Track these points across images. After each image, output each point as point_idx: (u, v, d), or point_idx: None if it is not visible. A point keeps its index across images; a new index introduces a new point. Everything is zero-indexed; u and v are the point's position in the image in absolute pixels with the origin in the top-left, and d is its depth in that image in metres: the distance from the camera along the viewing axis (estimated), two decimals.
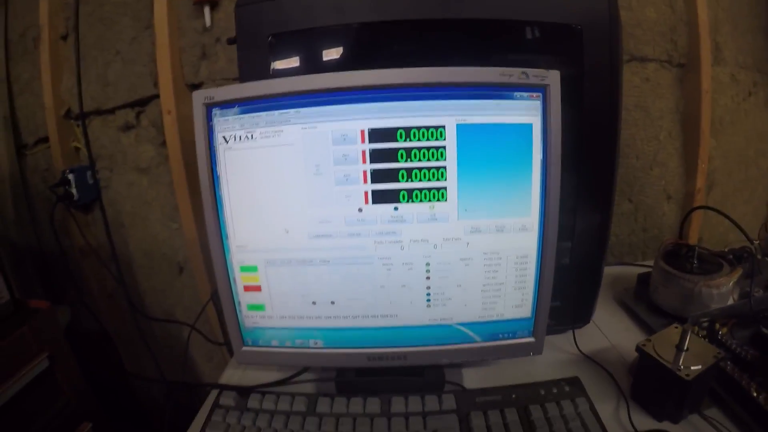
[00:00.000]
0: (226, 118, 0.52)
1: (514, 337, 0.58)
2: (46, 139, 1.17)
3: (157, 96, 1.02)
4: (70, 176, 1.09)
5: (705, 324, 0.67)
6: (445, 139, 0.50)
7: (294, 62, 0.64)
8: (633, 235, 1.08)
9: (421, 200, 0.51)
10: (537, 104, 0.50)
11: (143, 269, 1.21)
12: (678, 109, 1.03)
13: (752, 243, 0.74)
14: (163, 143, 1.05)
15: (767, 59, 1.11)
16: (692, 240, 1.04)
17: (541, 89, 0.50)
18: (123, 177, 1.13)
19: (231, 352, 0.81)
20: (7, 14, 1.18)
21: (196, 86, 1.02)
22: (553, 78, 0.49)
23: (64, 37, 1.12)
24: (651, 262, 0.79)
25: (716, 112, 1.05)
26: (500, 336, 0.57)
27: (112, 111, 1.10)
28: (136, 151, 1.10)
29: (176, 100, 0.98)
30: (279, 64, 0.63)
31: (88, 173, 1.13)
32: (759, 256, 0.76)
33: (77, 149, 1.17)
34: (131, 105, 1.08)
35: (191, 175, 1.02)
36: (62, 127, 1.13)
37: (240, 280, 0.56)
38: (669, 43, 0.99)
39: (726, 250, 0.77)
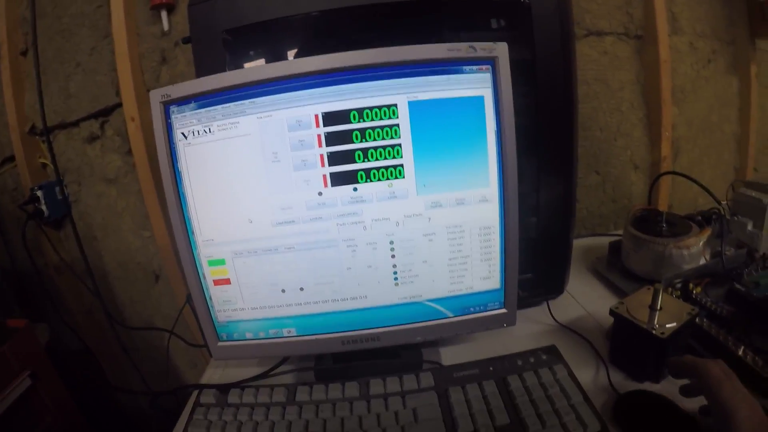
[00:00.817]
0: (184, 114, 0.52)
1: (485, 310, 0.58)
2: (12, 158, 1.15)
3: (120, 104, 1.02)
4: (39, 193, 1.08)
5: (678, 285, 0.68)
6: (397, 117, 0.50)
7: (255, 62, 0.64)
8: (603, 206, 1.10)
9: (379, 179, 0.51)
10: (487, 76, 0.51)
11: (119, 281, 1.19)
12: (638, 80, 1.05)
13: (719, 204, 0.77)
14: (129, 152, 1.04)
15: (725, 27, 1.13)
16: (662, 207, 1.07)
17: (490, 62, 0.51)
18: (91, 189, 1.12)
19: (211, 353, 0.80)
20: None
21: None
22: (501, 50, 0.50)
23: (24, 53, 1.11)
24: (622, 232, 0.81)
25: (677, 81, 1.08)
26: (471, 309, 0.58)
27: (76, 123, 1.08)
28: (103, 162, 1.09)
29: (139, 107, 0.97)
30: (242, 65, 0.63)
31: (57, 189, 1.11)
32: (728, 216, 0.79)
33: (44, 165, 1.15)
34: (95, 116, 1.06)
35: (159, 182, 1.00)
36: (27, 144, 1.11)
37: (209, 274, 0.56)
38: (625, 15, 1.01)
39: (695, 212, 0.79)
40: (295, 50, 0.64)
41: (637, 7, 1.01)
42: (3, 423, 0.83)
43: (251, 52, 0.64)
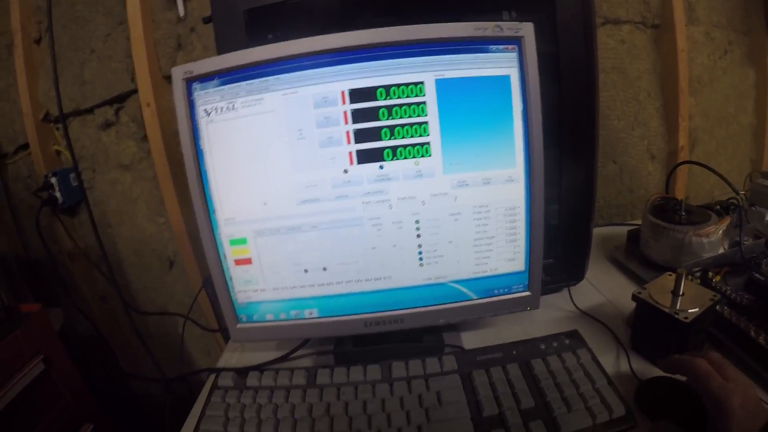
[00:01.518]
0: (207, 90, 0.51)
1: (509, 292, 0.58)
2: (26, 146, 1.16)
3: (135, 91, 1.02)
4: (53, 180, 1.09)
5: (698, 273, 0.68)
6: (424, 95, 0.50)
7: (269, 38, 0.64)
8: (620, 197, 1.09)
9: (405, 157, 0.51)
10: (513, 56, 0.50)
11: (133, 267, 1.20)
12: (655, 70, 1.04)
13: (738, 194, 0.76)
14: (144, 138, 1.05)
15: (741, 18, 1.13)
16: (679, 197, 1.06)
17: (516, 41, 0.50)
18: (106, 176, 1.13)
19: (226, 339, 0.80)
20: None
21: None
22: (527, 30, 0.50)
23: (38, 41, 1.11)
24: (640, 221, 0.80)
25: (693, 71, 1.07)
26: (496, 292, 0.57)
27: (90, 110, 1.09)
28: (118, 149, 1.10)
29: (155, 93, 0.98)
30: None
31: (71, 175, 1.12)
32: (746, 207, 0.78)
33: (58, 152, 1.16)
34: (110, 102, 1.07)
35: (175, 167, 1.02)
36: (42, 132, 1.13)
37: (230, 254, 0.55)
38: (641, 4, 1.00)
39: (713, 202, 0.79)
40: (315, 30, 0.63)
41: None
42: (16, 407, 0.83)
43: (270, 34, 0.64)
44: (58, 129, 1.15)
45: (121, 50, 1.02)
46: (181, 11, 0.96)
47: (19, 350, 0.87)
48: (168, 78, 1.01)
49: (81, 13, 1.05)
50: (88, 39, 1.05)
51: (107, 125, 1.08)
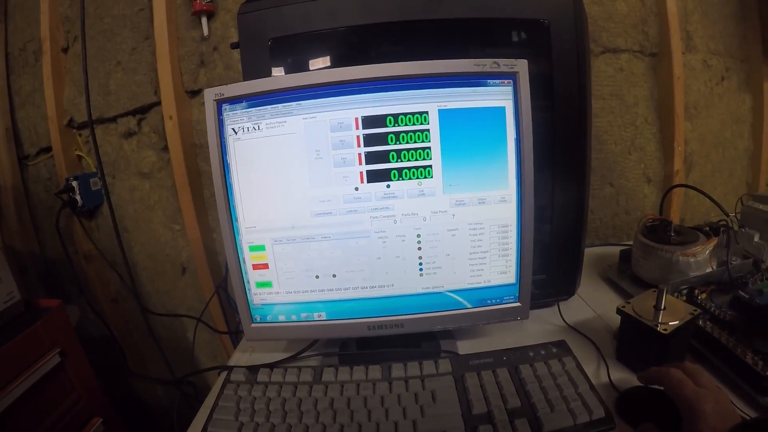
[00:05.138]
0: (235, 111, 0.57)
1: (501, 303, 0.63)
2: (47, 149, 1.22)
3: (158, 103, 1.08)
4: (74, 183, 1.14)
5: (685, 291, 0.71)
6: (428, 123, 0.56)
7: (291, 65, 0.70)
8: (616, 218, 1.14)
9: (410, 178, 0.57)
10: (509, 89, 0.57)
11: (147, 271, 1.25)
12: (652, 96, 1.09)
13: (728, 215, 0.79)
14: (164, 148, 1.10)
15: (738, 45, 1.18)
16: (674, 219, 1.08)
17: (512, 76, 0.56)
18: (125, 182, 1.18)
19: (234, 343, 0.84)
20: (7, 29, 1.24)
21: (196, 93, 1.07)
22: (521, 66, 0.56)
23: (65, 50, 1.17)
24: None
25: (690, 98, 1.12)
26: (488, 302, 0.63)
27: (114, 119, 1.15)
28: (138, 157, 1.15)
29: (177, 106, 1.04)
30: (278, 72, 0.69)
31: (91, 180, 1.17)
32: (736, 228, 0.81)
33: (79, 157, 1.21)
34: (132, 113, 1.13)
35: (193, 178, 1.07)
36: (65, 137, 1.18)
37: (249, 259, 0.61)
38: (640, 34, 1.06)
39: (703, 224, 0.83)
40: (334, 59, 0.69)
41: (652, 26, 1.06)
42: (31, 396, 0.87)
43: (293, 59, 0.70)
44: (80, 135, 1.21)
45: (145, 64, 1.09)
46: (206, 31, 1.02)
47: (38, 342, 0.91)
48: (190, 93, 1.07)
49: (109, 26, 1.11)
50: (115, 51, 1.11)
51: (129, 134, 1.14)
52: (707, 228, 0.80)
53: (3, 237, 1.24)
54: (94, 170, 1.19)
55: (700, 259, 0.74)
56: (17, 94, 1.25)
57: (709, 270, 0.74)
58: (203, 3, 0.99)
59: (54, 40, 1.16)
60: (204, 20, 1.02)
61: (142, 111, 1.12)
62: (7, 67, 1.25)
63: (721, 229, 0.78)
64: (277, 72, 0.69)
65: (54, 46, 1.16)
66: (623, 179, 1.12)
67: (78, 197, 1.15)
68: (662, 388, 0.50)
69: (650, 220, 0.84)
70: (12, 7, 1.23)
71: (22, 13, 1.21)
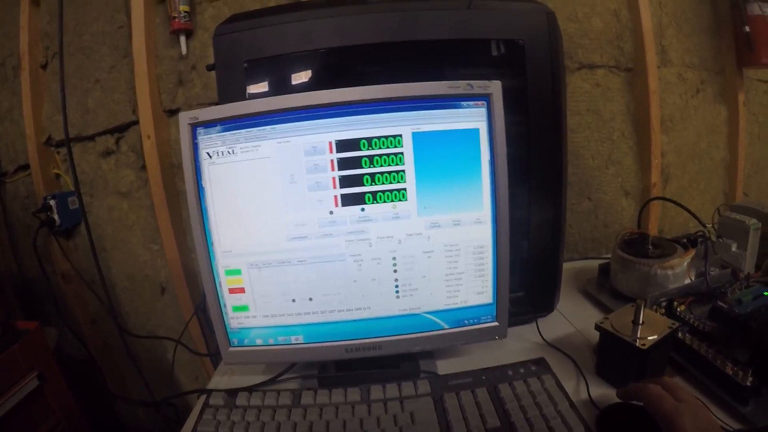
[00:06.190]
0: (210, 135, 0.57)
1: (479, 323, 0.63)
2: (25, 167, 1.20)
3: (136, 122, 1.07)
4: (52, 202, 1.12)
5: (663, 303, 0.72)
6: (402, 146, 0.56)
7: (266, 87, 0.70)
8: (595, 231, 1.15)
9: (384, 201, 0.57)
10: (482, 111, 0.57)
11: (126, 292, 1.23)
12: (629, 110, 1.12)
13: (705, 226, 0.81)
14: (143, 167, 1.09)
15: (713, 57, 1.20)
16: (652, 231, 1.12)
17: (485, 98, 0.57)
18: (104, 202, 1.17)
19: (215, 364, 0.83)
20: None
21: (174, 112, 1.07)
22: (495, 87, 0.57)
23: (44, 66, 1.16)
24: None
25: (666, 111, 1.14)
26: (466, 322, 0.63)
27: (92, 138, 1.14)
28: (116, 176, 1.14)
29: (155, 125, 1.03)
30: (254, 89, 0.69)
31: (69, 199, 1.15)
32: (713, 239, 0.82)
33: (57, 176, 1.20)
34: (111, 131, 1.12)
35: (171, 198, 1.06)
36: (43, 155, 1.16)
37: (225, 283, 0.61)
38: (616, 49, 1.08)
39: (681, 235, 0.83)
40: (309, 81, 0.70)
41: (627, 41, 1.08)
42: (8, 421, 0.85)
43: (269, 82, 0.70)
44: (58, 153, 1.19)
45: (124, 82, 1.08)
46: (184, 49, 1.02)
47: (16, 365, 0.90)
48: (168, 112, 1.07)
49: (88, 44, 1.10)
50: (93, 69, 1.11)
51: (107, 153, 1.13)
52: (685, 240, 0.81)
53: None
54: (72, 189, 1.17)
55: (678, 271, 0.75)
56: None
57: (687, 281, 0.75)
58: (182, 22, 0.99)
59: (33, 55, 1.14)
60: (182, 39, 1.02)
61: (120, 130, 1.11)
62: None
63: (699, 240, 0.79)
64: (254, 92, 0.69)
65: (33, 62, 1.14)
66: (601, 193, 1.13)
67: (56, 216, 1.13)
68: (642, 403, 0.51)
69: (628, 234, 0.85)
70: None
71: (2, 27, 1.19)
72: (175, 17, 0.99)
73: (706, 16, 1.19)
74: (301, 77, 0.69)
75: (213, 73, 0.71)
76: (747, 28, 1.11)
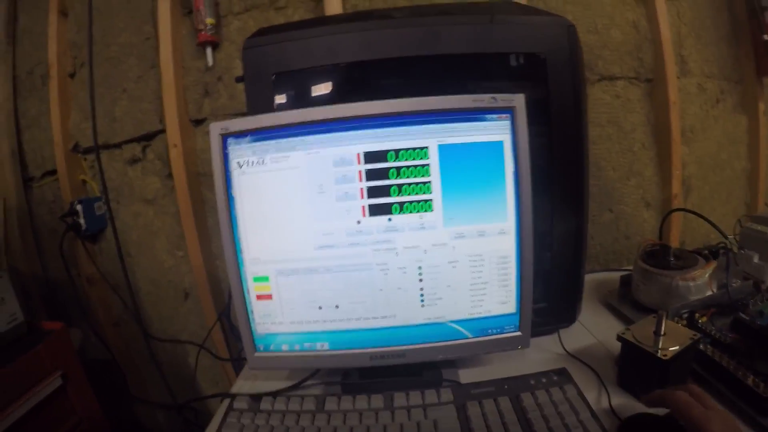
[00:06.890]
0: (240, 146, 0.59)
1: (502, 332, 0.64)
2: (52, 172, 1.24)
3: (163, 131, 1.10)
4: (79, 207, 1.16)
5: (685, 315, 0.71)
6: (428, 158, 0.58)
7: (294, 99, 0.72)
8: (616, 243, 1.14)
9: (411, 211, 0.59)
10: (506, 124, 0.58)
11: (150, 296, 1.25)
12: (649, 121, 1.11)
13: (726, 238, 0.80)
14: (168, 175, 1.12)
15: (732, 67, 1.20)
16: (673, 243, 1.11)
17: (509, 111, 0.58)
18: (129, 208, 1.20)
19: (237, 370, 0.83)
20: (15, 52, 1.26)
21: (200, 121, 1.10)
22: (518, 101, 0.58)
23: (72, 75, 1.20)
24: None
25: (686, 121, 1.13)
26: (489, 331, 0.64)
27: (119, 145, 1.17)
28: (143, 183, 1.17)
29: (181, 135, 1.06)
30: (281, 100, 0.70)
31: (95, 205, 1.19)
32: (735, 250, 0.81)
33: (84, 182, 1.23)
34: (138, 140, 1.15)
35: (196, 205, 1.09)
36: (70, 161, 1.20)
37: (253, 289, 0.62)
38: (636, 60, 1.08)
39: (703, 247, 0.83)
40: (334, 93, 0.71)
41: (647, 52, 1.08)
42: (31, 418, 0.87)
43: (296, 94, 0.72)
44: (85, 159, 1.23)
45: (151, 92, 1.11)
46: (210, 61, 1.05)
47: (40, 364, 0.92)
48: (194, 122, 1.09)
49: (115, 54, 1.14)
50: (121, 78, 1.14)
51: (134, 161, 1.16)
52: (706, 251, 0.81)
53: (7, 258, 1.25)
54: (98, 195, 1.20)
55: (700, 282, 0.74)
56: (23, 116, 1.28)
57: (709, 293, 0.75)
58: (208, 34, 1.02)
59: (61, 65, 1.18)
60: (209, 51, 1.05)
61: (147, 138, 1.14)
62: (14, 90, 1.27)
63: (721, 251, 0.79)
64: (281, 103, 0.71)
65: (61, 71, 1.19)
66: (622, 204, 1.13)
67: (82, 221, 1.16)
68: (667, 411, 0.50)
69: (649, 245, 0.85)
70: (21, 30, 1.26)
71: (31, 37, 1.24)
72: (201, 30, 1.02)
73: (724, 26, 1.19)
74: (327, 89, 0.71)
75: (239, 84, 0.72)
76: (766, 37, 1.11)
